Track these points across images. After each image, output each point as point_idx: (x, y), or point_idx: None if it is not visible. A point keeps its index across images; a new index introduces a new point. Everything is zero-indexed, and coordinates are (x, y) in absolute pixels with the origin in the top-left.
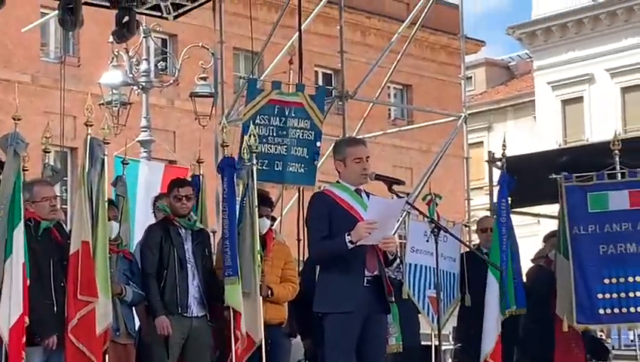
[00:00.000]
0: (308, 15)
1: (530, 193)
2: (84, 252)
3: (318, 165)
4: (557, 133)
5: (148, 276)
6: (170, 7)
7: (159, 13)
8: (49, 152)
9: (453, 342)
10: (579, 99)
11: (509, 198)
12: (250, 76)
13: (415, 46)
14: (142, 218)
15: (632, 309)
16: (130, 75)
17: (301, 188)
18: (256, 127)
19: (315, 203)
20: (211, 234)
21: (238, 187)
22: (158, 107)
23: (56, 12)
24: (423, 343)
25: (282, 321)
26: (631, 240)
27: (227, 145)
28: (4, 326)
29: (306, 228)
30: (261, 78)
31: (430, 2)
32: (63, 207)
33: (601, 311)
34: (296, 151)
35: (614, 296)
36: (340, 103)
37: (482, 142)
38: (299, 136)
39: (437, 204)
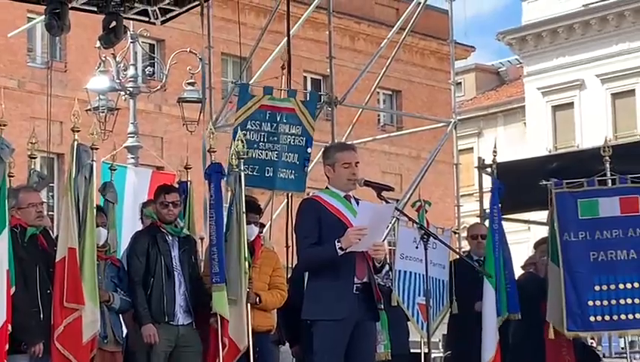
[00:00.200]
0: (297, 20)
1: (521, 199)
2: (71, 259)
3: (308, 171)
4: (547, 139)
5: (134, 283)
6: (158, 12)
7: (147, 19)
8: (35, 158)
9: (442, 350)
10: (569, 105)
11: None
12: (240, 81)
13: (404, 51)
14: (129, 224)
15: (623, 316)
16: (118, 81)
17: (290, 195)
18: (248, 133)
19: (304, 209)
20: (199, 240)
21: (226, 193)
22: (146, 113)
23: (43, 17)
24: (412, 351)
25: (270, 329)
26: (621, 247)
27: (214, 151)
28: None
29: (294, 235)
30: (250, 83)
31: (420, 7)
32: (50, 213)
33: (592, 319)
34: (287, 157)
35: (605, 303)
36: (329, 109)
37: (472, 148)
38: (290, 142)
39: (426, 211)
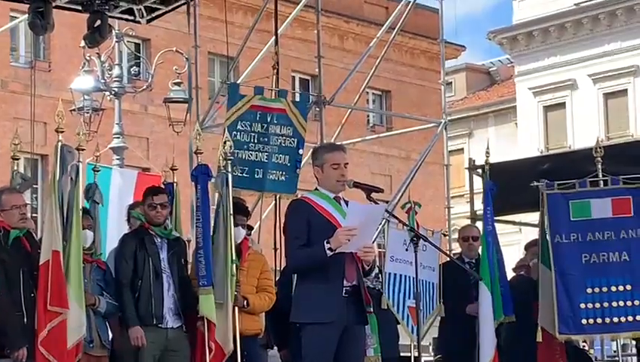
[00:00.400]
0: (285, 19)
1: (512, 201)
2: (55, 261)
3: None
4: (539, 139)
5: (122, 286)
6: (144, 11)
7: (132, 17)
8: (18, 159)
9: (433, 354)
10: (561, 105)
11: None
12: (227, 81)
13: (394, 51)
14: (114, 226)
15: (615, 319)
16: (103, 81)
17: (278, 196)
18: (238, 133)
19: (293, 210)
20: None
21: (214, 195)
22: (131, 113)
23: (26, 16)
24: (401, 354)
25: (258, 332)
26: (613, 249)
27: (201, 153)
28: None
29: (283, 237)
30: (238, 82)
31: (409, 6)
32: (34, 215)
33: (584, 322)
34: (277, 158)
35: (597, 305)
36: (318, 109)
37: (463, 148)
38: (281, 143)
39: (416, 213)
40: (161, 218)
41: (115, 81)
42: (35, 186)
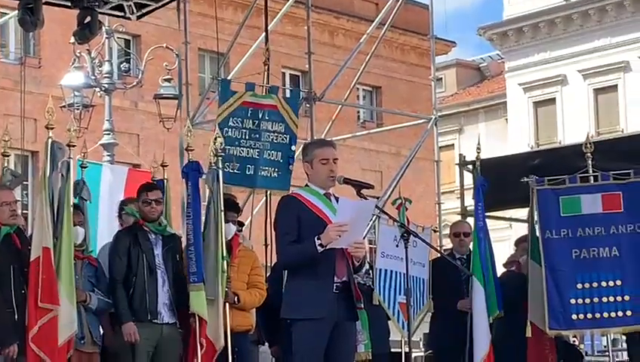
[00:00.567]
0: (275, 15)
1: (502, 197)
2: (45, 258)
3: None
4: (529, 135)
5: (116, 282)
6: (134, 7)
7: (122, 14)
8: (8, 156)
9: (423, 349)
10: (551, 101)
11: None
12: (218, 78)
13: (384, 47)
14: (105, 223)
15: (605, 314)
16: (93, 77)
17: (269, 193)
18: (229, 130)
19: (284, 207)
20: None
21: (204, 191)
22: (122, 109)
23: (16, 12)
24: (392, 350)
25: (249, 328)
26: (603, 245)
27: (192, 150)
28: None
29: (273, 233)
30: (229, 78)
31: (400, 2)
32: (24, 211)
33: (574, 317)
34: (269, 155)
35: (587, 301)
36: (308, 105)
37: (453, 144)
38: (272, 139)
39: (407, 209)
40: (155, 214)
41: (105, 77)
42: (25, 183)
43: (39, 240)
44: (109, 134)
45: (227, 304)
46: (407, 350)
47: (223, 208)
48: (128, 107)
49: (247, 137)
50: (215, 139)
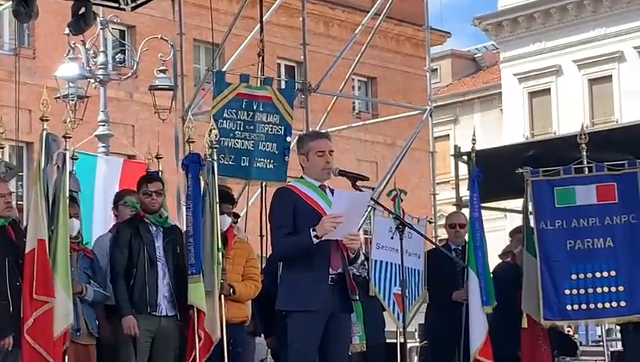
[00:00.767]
0: (270, 6)
1: (497, 187)
2: (40, 250)
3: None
4: (524, 125)
5: (116, 275)
6: None
7: (117, 4)
8: (3, 147)
9: (419, 340)
10: (546, 92)
11: None
12: (213, 69)
13: (380, 37)
14: (100, 214)
15: (600, 305)
16: (88, 68)
17: (264, 184)
18: (224, 122)
19: (279, 199)
20: None
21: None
22: (117, 100)
23: (10, 3)
24: (388, 340)
25: (245, 320)
26: (598, 235)
27: (193, 142)
28: None
29: (269, 225)
30: (224, 70)
31: None
32: (19, 203)
33: (569, 307)
34: (264, 146)
35: (582, 291)
36: (303, 97)
37: (448, 135)
38: (267, 131)
39: (402, 200)
40: (156, 205)
41: (100, 68)
42: (20, 174)
43: (34, 232)
44: (104, 125)
45: (222, 296)
46: (402, 341)
47: (218, 200)
48: (123, 98)
49: (241, 129)
50: (210, 130)
